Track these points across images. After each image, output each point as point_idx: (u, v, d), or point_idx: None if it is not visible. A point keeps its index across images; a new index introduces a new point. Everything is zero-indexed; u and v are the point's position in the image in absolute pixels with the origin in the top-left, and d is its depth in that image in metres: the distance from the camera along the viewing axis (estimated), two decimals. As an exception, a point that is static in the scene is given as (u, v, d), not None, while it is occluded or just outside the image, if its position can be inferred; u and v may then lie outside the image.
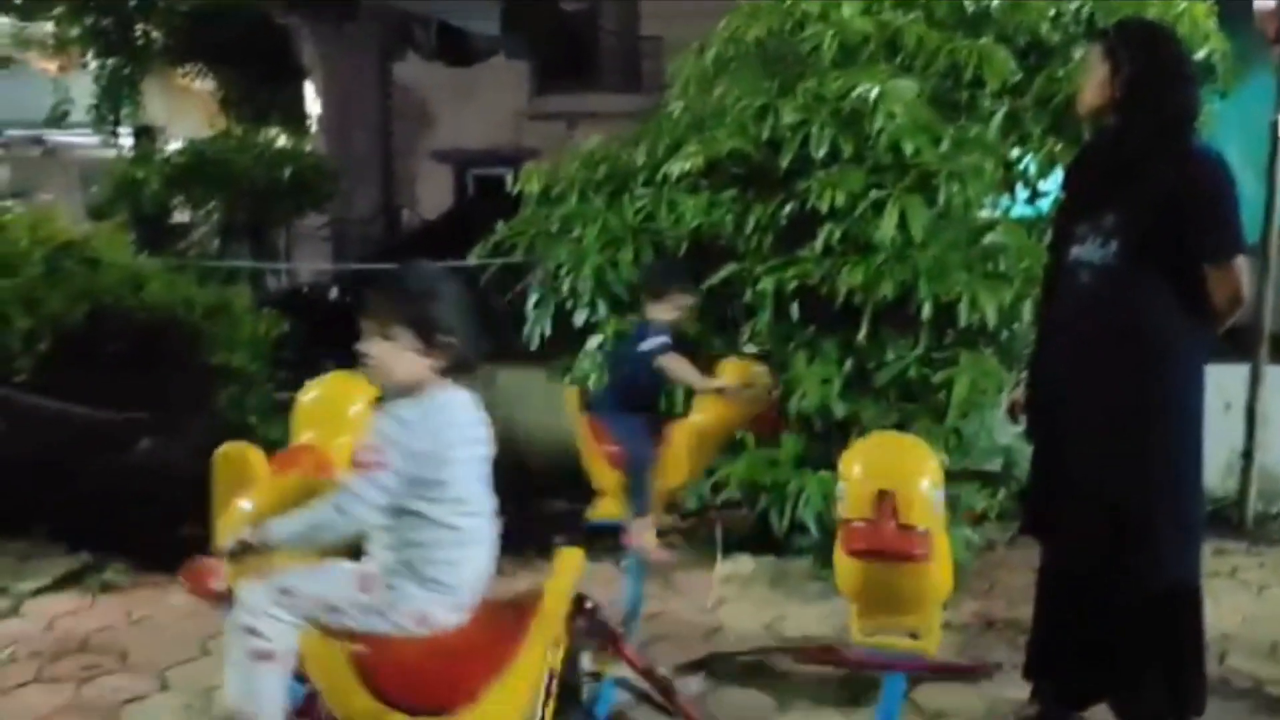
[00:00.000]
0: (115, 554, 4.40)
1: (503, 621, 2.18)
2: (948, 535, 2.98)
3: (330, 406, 3.17)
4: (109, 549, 4.41)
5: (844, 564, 2.92)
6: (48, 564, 4.38)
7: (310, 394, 3.23)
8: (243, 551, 2.18)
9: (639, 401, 3.66)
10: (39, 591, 4.24)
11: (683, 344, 3.71)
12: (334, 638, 2.19)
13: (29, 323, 4.74)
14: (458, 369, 2.29)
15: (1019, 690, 3.26)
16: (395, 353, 2.26)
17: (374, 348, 2.26)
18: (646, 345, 3.61)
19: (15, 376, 4.70)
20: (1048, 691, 3.18)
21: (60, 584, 4.28)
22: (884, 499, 2.71)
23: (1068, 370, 2.96)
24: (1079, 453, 2.93)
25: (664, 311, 3.65)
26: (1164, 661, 2.91)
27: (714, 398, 3.61)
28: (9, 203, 6.89)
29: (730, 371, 3.69)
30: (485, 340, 2.35)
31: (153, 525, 4.23)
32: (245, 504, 2.44)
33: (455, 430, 2.28)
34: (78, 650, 3.74)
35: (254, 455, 2.70)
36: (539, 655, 2.14)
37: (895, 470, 2.79)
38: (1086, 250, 2.90)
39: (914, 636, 2.98)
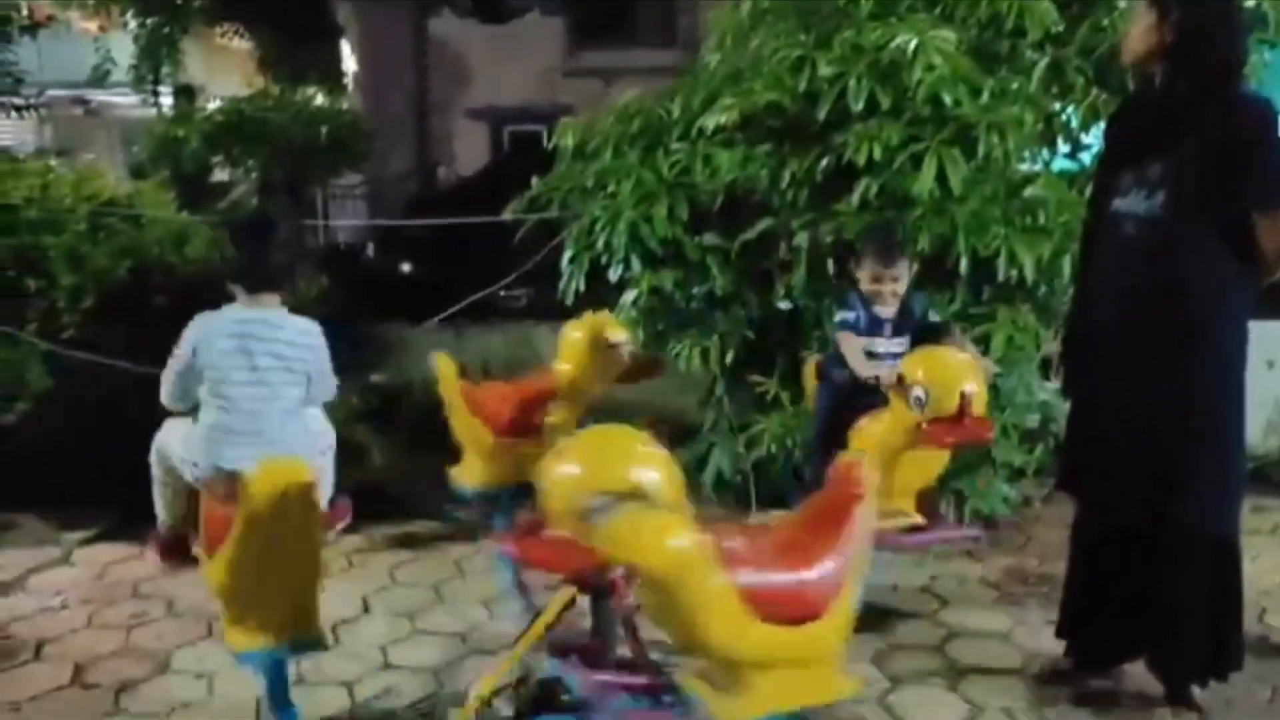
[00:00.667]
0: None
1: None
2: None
3: (577, 341, 3.65)
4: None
5: None
6: (96, 515, 4.49)
7: (575, 331, 3.69)
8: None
9: (829, 374, 3.53)
10: (88, 541, 4.36)
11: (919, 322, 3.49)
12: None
13: (74, 279, 4.80)
14: (235, 280, 3.21)
15: (1054, 644, 3.27)
16: None
17: None
18: (838, 316, 3.49)
19: (62, 333, 4.77)
20: (1081, 649, 3.18)
21: (108, 534, 4.40)
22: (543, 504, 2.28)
23: (1110, 324, 2.93)
24: (1121, 406, 2.91)
25: (864, 280, 3.47)
26: (1202, 617, 2.90)
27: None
28: (53, 161, 6.95)
29: (912, 365, 3.16)
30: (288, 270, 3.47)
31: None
32: None
33: (219, 338, 3.12)
34: (127, 597, 3.85)
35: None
36: (250, 534, 2.61)
37: (569, 473, 2.25)
38: (1130, 202, 2.86)
39: None
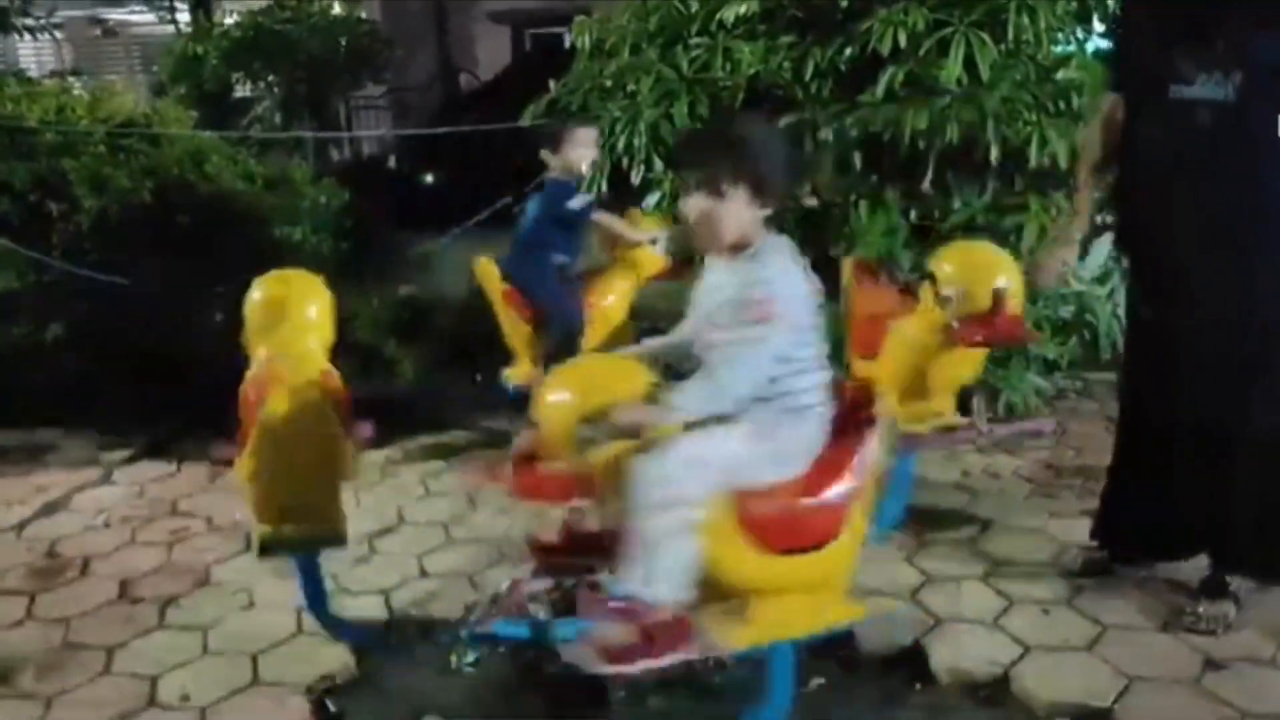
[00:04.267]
0: (195, 423, 4.57)
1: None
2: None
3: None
4: (189, 418, 4.57)
5: None
6: (133, 434, 4.56)
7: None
8: None
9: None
10: (127, 461, 4.44)
11: None
12: None
13: (97, 202, 4.80)
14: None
15: (1088, 537, 3.24)
16: None
17: None
18: None
19: (88, 256, 4.79)
20: (1124, 548, 3.14)
21: (146, 453, 4.48)
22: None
23: (1179, 221, 2.75)
24: (1193, 305, 2.77)
25: None
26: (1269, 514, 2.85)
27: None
28: (72, 80, 6.89)
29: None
30: None
31: (230, 393, 4.38)
32: None
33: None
34: (167, 514, 3.92)
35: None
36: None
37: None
38: (1199, 89, 2.64)
39: None
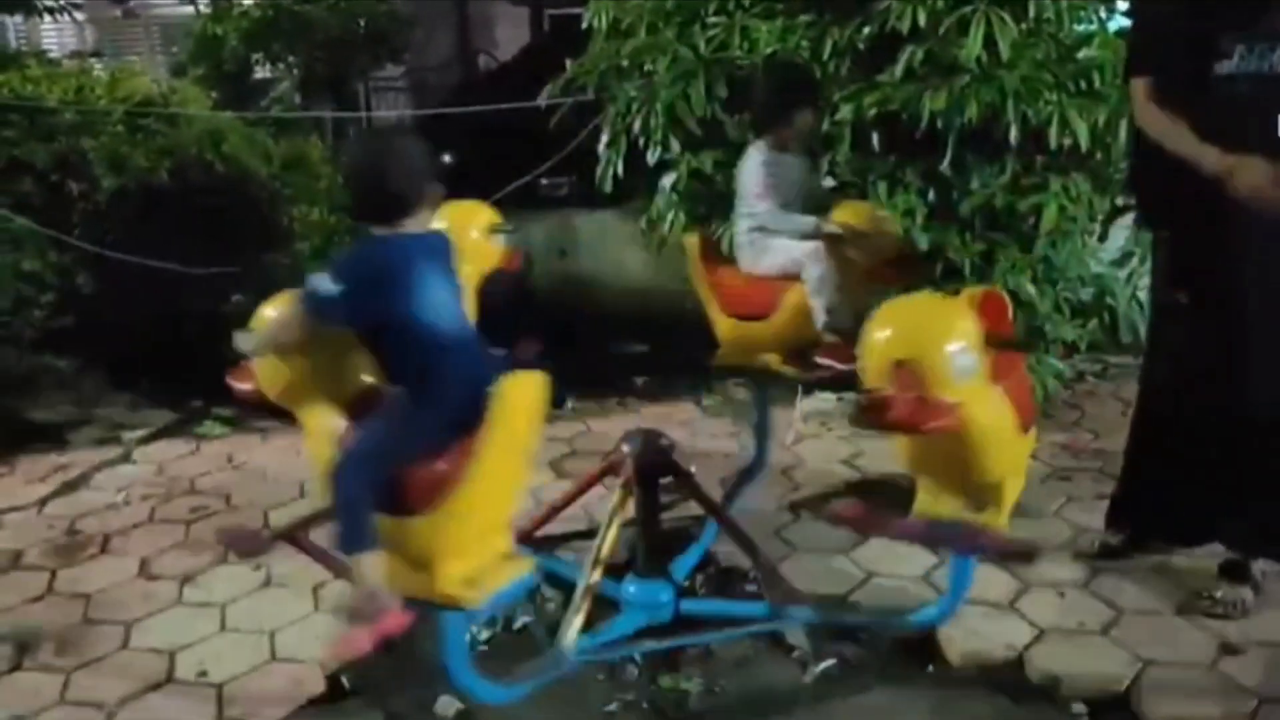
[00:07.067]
0: (216, 403, 4.60)
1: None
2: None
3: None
4: (210, 398, 4.61)
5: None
6: (154, 414, 4.60)
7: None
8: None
9: None
10: (147, 439, 4.47)
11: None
12: None
13: (116, 181, 4.82)
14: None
15: (1103, 520, 3.23)
16: None
17: None
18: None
19: (107, 236, 4.81)
20: (1145, 532, 3.12)
21: (166, 432, 4.51)
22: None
23: (1229, 197, 2.73)
24: (1227, 283, 2.73)
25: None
26: None
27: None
28: (92, 61, 6.88)
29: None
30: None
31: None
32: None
33: None
34: (186, 494, 3.95)
35: None
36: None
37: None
38: (1238, 63, 2.62)
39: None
